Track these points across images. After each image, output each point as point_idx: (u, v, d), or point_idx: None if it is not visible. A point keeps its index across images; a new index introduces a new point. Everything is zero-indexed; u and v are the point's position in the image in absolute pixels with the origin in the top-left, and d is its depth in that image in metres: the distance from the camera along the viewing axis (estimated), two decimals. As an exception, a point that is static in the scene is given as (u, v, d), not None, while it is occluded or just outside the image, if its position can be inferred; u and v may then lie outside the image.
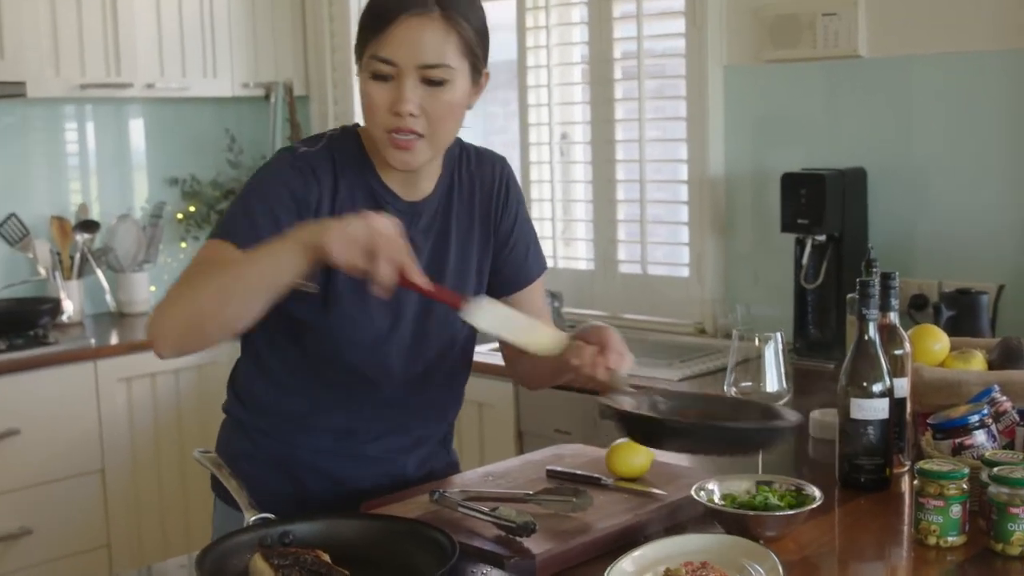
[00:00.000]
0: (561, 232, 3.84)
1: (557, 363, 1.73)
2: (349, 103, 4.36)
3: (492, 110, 4.24)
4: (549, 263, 3.65)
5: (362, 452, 1.90)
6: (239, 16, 4.33)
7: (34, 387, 3.46)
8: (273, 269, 1.56)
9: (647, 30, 3.49)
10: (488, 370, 3.34)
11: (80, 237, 4.04)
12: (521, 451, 3.18)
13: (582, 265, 3.76)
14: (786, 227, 3.09)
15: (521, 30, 3.79)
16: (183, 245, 4.46)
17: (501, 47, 4.20)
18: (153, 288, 4.24)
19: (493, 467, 2.04)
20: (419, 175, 1.83)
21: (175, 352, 1.63)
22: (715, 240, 3.42)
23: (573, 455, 2.08)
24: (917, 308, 3.00)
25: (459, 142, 1.91)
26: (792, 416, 1.70)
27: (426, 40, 1.69)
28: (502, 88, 4.23)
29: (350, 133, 1.85)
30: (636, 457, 1.91)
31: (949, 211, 3.02)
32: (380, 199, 1.81)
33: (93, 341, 3.68)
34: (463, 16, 1.71)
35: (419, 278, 1.57)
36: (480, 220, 1.92)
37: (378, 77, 1.70)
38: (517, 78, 3.84)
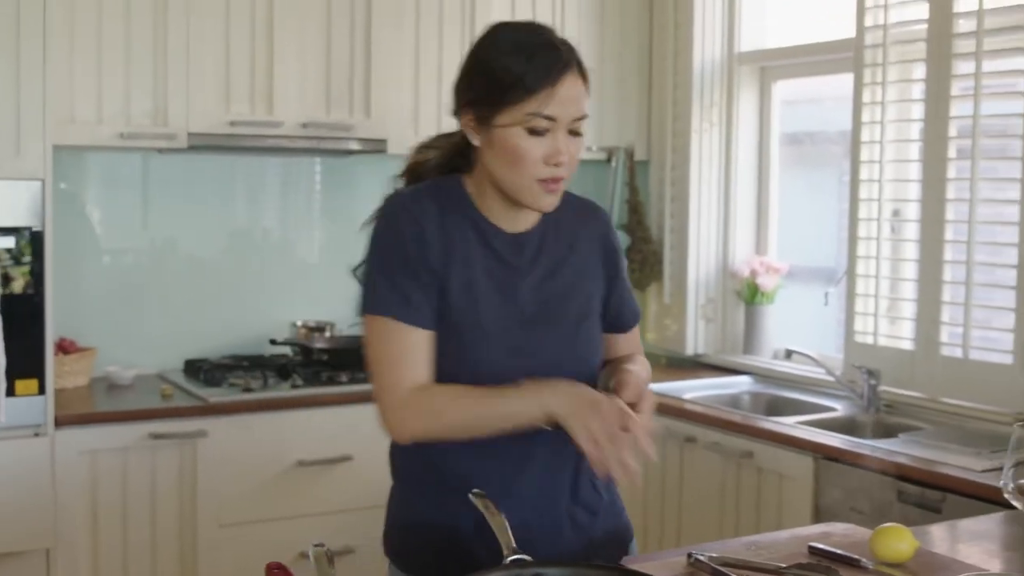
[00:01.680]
0: (885, 310, 3.78)
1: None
2: (686, 168, 4.47)
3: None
4: (868, 339, 3.68)
5: (516, 492, 1.95)
6: (586, 83, 4.55)
7: (369, 418, 3.73)
8: (514, 420, 1.84)
9: (985, 109, 3.40)
10: (790, 442, 3.36)
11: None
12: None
13: (904, 345, 3.69)
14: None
15: (857, 105, 3.78)
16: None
17: (835, 119, 4.21)
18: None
19: (760, 537, 2.09)
20: (525, 211, 1.95)
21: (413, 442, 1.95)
22: (1043, 328, 3.27)
23: (843, 534, 2.09)
24: None
25: None
26: None
27: (578, 96, 1.86)
28: (837, 159, 4.23)
29: (450, 179, 2.00)
30: (900, 543, 1.91)
31: None
32: (485, 232, 1.95)
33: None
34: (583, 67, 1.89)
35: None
36: (587, 255, 2.05)
37: (535, 132, 1.83)
38: (851, 152, 3.83)
